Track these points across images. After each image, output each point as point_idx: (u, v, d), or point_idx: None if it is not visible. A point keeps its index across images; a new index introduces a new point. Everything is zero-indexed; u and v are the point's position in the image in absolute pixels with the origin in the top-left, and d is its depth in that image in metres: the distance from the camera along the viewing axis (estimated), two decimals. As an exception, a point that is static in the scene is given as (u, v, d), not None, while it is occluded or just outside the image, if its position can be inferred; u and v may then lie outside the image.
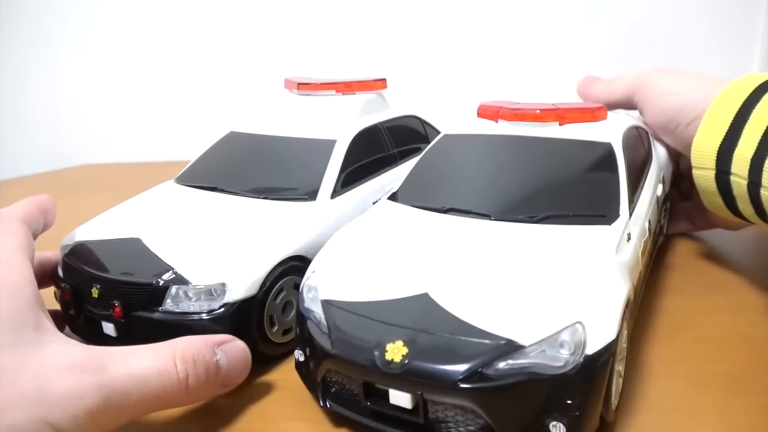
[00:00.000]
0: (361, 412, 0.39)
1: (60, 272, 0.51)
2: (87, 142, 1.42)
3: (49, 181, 1.25)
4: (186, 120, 1.37)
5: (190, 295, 0.45)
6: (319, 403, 0.41)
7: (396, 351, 0.36)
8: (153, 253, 0.48)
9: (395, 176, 0.67)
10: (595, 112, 0.55)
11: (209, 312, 0.45)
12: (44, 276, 0.52)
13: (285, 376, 0.48)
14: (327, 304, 0.41)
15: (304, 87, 0.72)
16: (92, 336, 0.48)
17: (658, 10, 1.21)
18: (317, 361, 0.40)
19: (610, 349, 0.36)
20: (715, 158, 0.53)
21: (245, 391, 0.45)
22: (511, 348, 0.34)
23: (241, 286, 0.46)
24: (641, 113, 0.66)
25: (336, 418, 0.42)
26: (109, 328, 0.47)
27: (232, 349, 0.41)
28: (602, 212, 0.46)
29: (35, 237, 0.46)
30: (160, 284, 0.45)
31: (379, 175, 0.66)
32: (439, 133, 0.80)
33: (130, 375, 0.35)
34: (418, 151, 0.75)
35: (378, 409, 0.38)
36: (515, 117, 0.56)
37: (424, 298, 0.39)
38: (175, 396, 0.37)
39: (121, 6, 1.32)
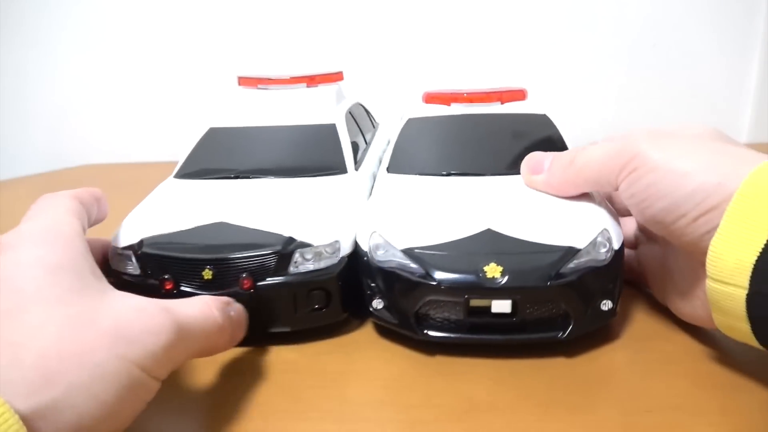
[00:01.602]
0: (459, 330, 0.47)
1: (137, 268, 0.50)
2: (87, 142, 1.42)
3: (50, 181, 1.25)
4: (186, 120, 1.37)
5: (309, 256, 0.50)
6: (417, 333, 0.47)
7: (493, 269, 0.45)
8: (255, 228, 0.51)
9: (373, 155, 0.74)
10: (522, 93, 0.67)
11: (326, 269, 0.50)
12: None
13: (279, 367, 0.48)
14: (409, 251, 0.47)
15: (269, 82, 0.76)
16: None
17: (657, 9, 1.21)
18: (413, 298, 0.47)
19: (623, 246, 0.49)
20: (750, 274, 0.36)
21: (242, 387, 0.45)
22: (573, 252, 0.46)
23: (347, 243, 0.52)
24: (624, 197, 0.46)
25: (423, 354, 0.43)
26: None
27: (236, 307, 0.46)
28: None
29: (88, 223, 0.47)
30: (286, 250, 0.49)
31: (367, 152, 0.73)
32: (375, 120, 0.89)
33: (189, 315, 0.39)
34: (371, 134, 0.82)
35: (478, 321, 0.46)
36: (466, 100, 0.67)
37: (490, 232, 0.48)
38: (215, 340, 0.42)
39: (122, 6, 1.32)
